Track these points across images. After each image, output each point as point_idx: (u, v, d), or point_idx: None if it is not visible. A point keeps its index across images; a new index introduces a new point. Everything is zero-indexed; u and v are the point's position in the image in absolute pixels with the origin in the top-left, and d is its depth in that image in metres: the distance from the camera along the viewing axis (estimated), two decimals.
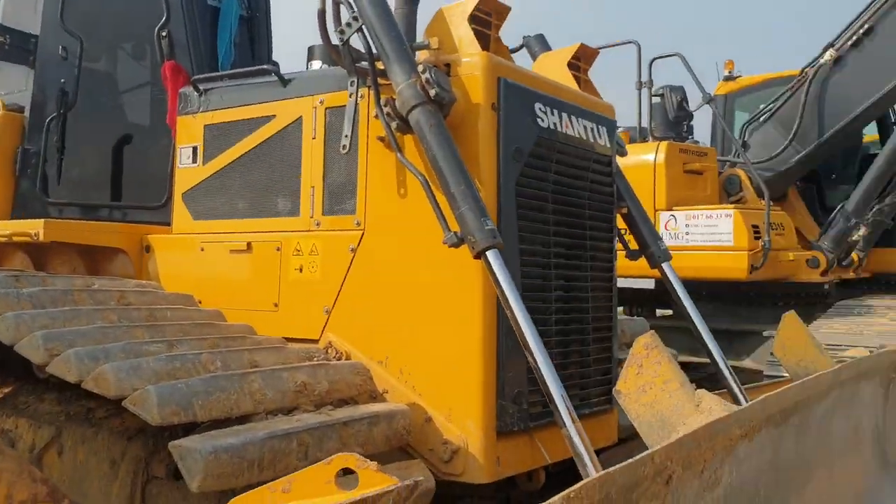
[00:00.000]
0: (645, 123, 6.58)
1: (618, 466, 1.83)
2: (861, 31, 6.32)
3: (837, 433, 3.39)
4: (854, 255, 6.57)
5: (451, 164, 2.72)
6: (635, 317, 6.94)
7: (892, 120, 7.10)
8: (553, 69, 3.56)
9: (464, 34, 3.05)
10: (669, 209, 6.12)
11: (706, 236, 5.93)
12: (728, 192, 6.62)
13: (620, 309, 7.50)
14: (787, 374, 3.54)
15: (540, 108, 3.09)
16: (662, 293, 7.06)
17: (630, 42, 6.28)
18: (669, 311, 7.26)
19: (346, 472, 2.03)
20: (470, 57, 2.97)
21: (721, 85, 8.01)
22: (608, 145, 3.48)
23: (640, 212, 3.73)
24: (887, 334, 5.02)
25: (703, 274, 6.08)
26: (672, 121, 6.83)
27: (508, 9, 3.18)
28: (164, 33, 4.08)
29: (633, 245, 3.80)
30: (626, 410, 2.33)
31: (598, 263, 3.44)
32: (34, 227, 3.71)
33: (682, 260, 6.13)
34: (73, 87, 4.21)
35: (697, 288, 6.66)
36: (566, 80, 3.52)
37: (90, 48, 4.26)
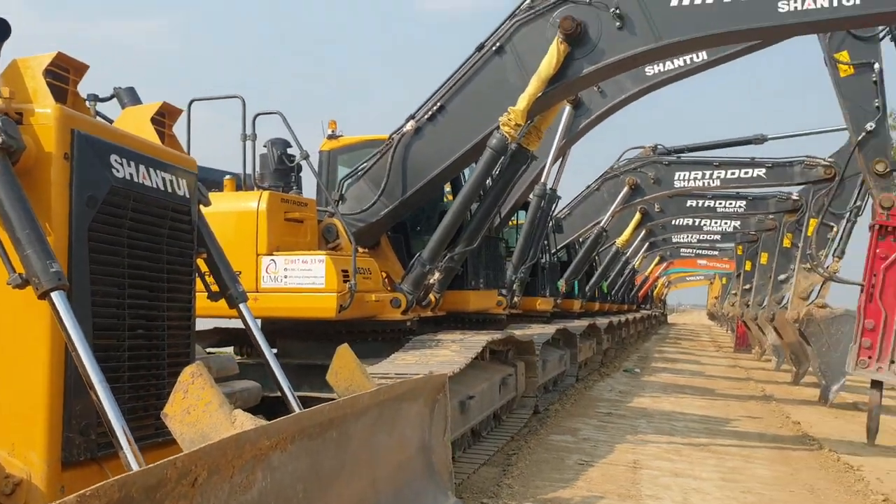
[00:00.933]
0: (250, 172, 7.00)
1: (140, 469, 2.16)
2: (435, 107, 7.49)
3: (381, 445, 4.05)
4: (431, 296, 7.65)
5: (16, 209, 2.85)
6: (232, 354, 7.27)
7: (463, 181, 8.36)
8: (137, 124, 3.82)
9: (38, 86, 3.19)
10: (270, 254, 6.61)
11: (302, 279, 6.50)
12: (326, 240, 7.31)
13: (230, 349, 7.80)
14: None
15: (115, 160, 3.33)
16: (266, 333, 7.54)
17: (235, 97, 6.71)
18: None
19: None
20: (43, 108, 3.13)
21: (325, 142, 8.82)
22: (188, 195, 3.82)
23: (221, 256, 4.11)
24: (446, 363, 5.98)
25: (299, 314, 6.65)
26: (274, 172, 7.37)
27: (86, 66, 3.39)
28: None
29: (215, 287, 4.14)
30: (171, 431, 2.66)
31: (176, 304, 3.73)
32: None
33: (283, 301, 6.67)
34: None
35: (296, 326, 7.24)
36: (149, 134, 3.80)
37: None
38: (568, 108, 11.12)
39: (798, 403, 13.20)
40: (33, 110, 3.12)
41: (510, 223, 12.27)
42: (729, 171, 15.35)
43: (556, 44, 6.91)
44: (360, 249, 7.50)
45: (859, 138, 9.81)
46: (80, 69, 3.39)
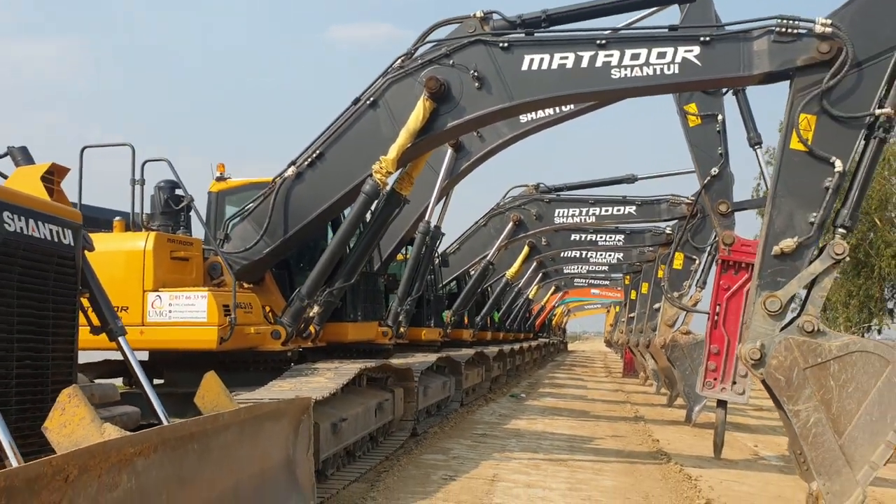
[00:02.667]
0: (138, 213, 7.53)
1: (21, 465, 2.78)
2: (314, 154, 8.20)
3: (244, 458, 4.69)
4: (311, 328, 8.31)
5: None
6: (117, 384, 7.72)
7: (341, 221, 9.07)
8: (29, 182, 4.41)
9: None
10: (156, 290, 7.15)
11: (186, 313, 7.06)
12: (211, 276, 7.90)
13: (119, 379, 8.23)
14: None
15: (7, 215, 3.92)
16: (156, 364, 8.03)
17: (126, 144, 7.27)
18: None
19: None
20: None
21: (214, 184, 9.40)
22: (72, 243, 4.42)
23: (103, 295, 4.71)
24: (317, 389, 6.63)
25: (183, 345, 7.20)
26: (162, 214, 7.92)
27: None
28: None
29: (97, 322, 4.73)
30: (50, 441, 3.27)
31: (60, 338, 4.31)
32: None
33: (167, 334, 7.21)
34: None
35: (182, 357, 7.77)
36: (39, 191, 4.39)
37: None
38: (450, 152, 12.00)
39: (665, 424, 14.34)
40: None
41: (398, 257, 13.07)
42: (603, 209, 16.62)
43: (422, 100, 7.75)
44: (245, 285, 8.13)
45: (705, 181, 11.03)
46: None
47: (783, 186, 6.75)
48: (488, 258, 17.07)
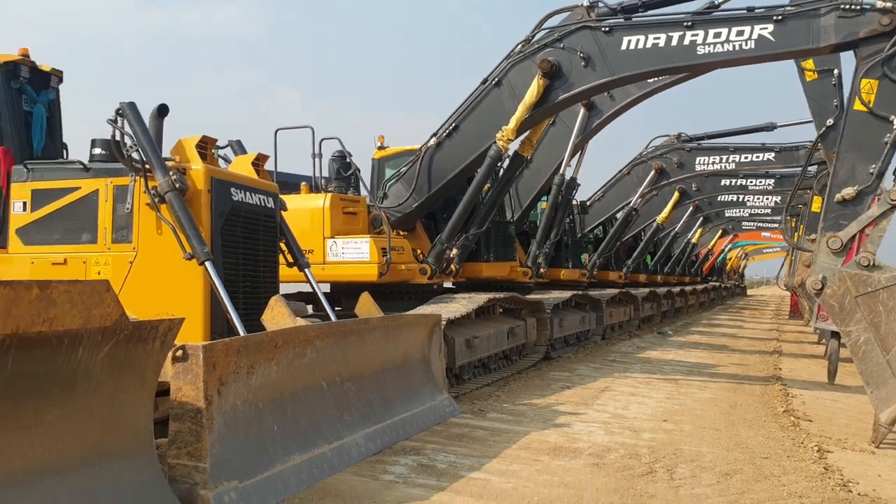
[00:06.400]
0: (318, 178, 9.85)
1: (250, 335, 4.95)
2: (451, 127, 10.12)
3: (389, 351, 6.77)
4: (452, 266, 10.32)
5: (186, 219, 5.70)
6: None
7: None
8: (244, 166, 6.66)
9: (192, 154, 6.04)
10: (333, 237, 9.44)
11: (354, 254, 9.31)
12: (374, 226, 10.10)
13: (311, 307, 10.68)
14: None
15: (233, 189, 6.16)
16: (336, 294, 10.37)
17: (307, 126, 9.54)
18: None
19: None
20: (196, 165, 5.98)
21: (376, 152, 11.62)
22: (273, 206, 6.64)
23: (294, 241, 6.93)
24: (450, 311, 8.64)
25: (353, 278, 9.45)
26: (336, 178, 10.20)
27: (216, 140, 6.22)
28: None
29: (290, 259, 6.96)
30: (265, 326, 5.46)
31: (268, 268, 6.57)
32: None
33: (342, 270, 9.49)
34: None
35: (353, 288, 10.04)
36: (250, 172, 6.63)
37: None
38: (582, 111, 13.53)
39: (801, 357, 15.12)
40: (191, 167, 5.97)
41: (541, 206, 14.82)
42: (742, 156, 17.42)
43: (537, 79, 9.42)
44: (400, 233, 10.26)
45: (821, 131, 11.89)
46: (212, 142, 6.22)
47: (847, 142, 7.92)
48: (631, 204, 18.38)
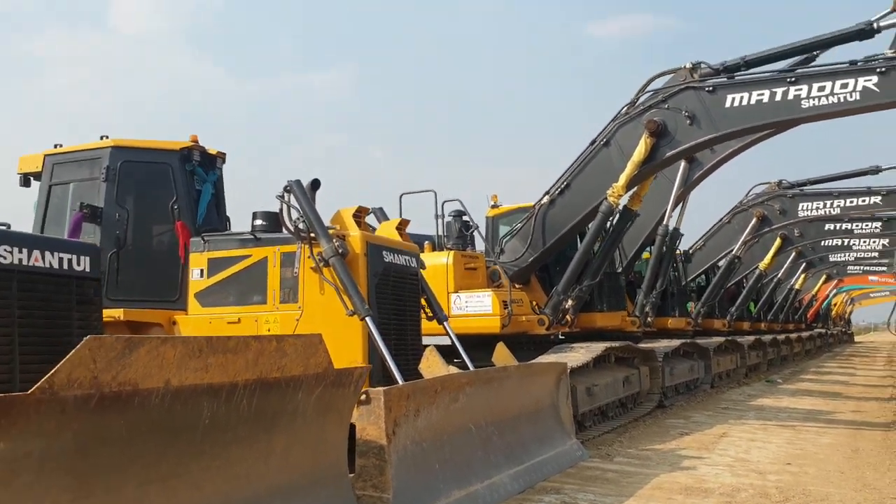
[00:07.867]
0: (440, 237, 10.61)
1: (416, 382, 5.60)
2: (563, 185, 10.74)
3: (524, 397, 7.30)
4: (568, 317, 10.83)
5: (348, 280, 6.45)
6: None
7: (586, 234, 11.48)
8: (389, 231, 7.43)
9: (350, 222, 6.84)
10: (456, 291, 10.12)
11: (477, 307, 9.96)
12: (492, 280, 10.74)
13: None
14: None
15: (385, 252, 6.91)
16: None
17: (430, 190, 10.35)
18: None
19: None
20: (354, 232, 6.77)
21: (490, 210, 12.35)
22: (416, 266, 7.36)
23: (432, 296, 7.62)
24: (572, 359, 9.13)
25: (476, 330, 10.08)
26: (456, 237, 10.95)
27: (368, 209, 7.01)
28: (175, 206, 7.55)
29: (429, 313, 7.64)
30: (423, 375, 6.10)
31: (412, 321, 7.26)
32: (116, 313, 7.02)
33: (465, 322, 10.13)
34: (123, 235, 7.53)
35: (475, 340, 10.67)
36: (395, 236, 7.39)
37: (134, 214, 7.63)
38: (683, 164, 13.93)
39: None
40: (350, 233, 6.76)
41: (644, 256, 15.20)
42: (848, 200, 17.39)
43: (644, 138, 9.98)
44: (516, 286, 10.86)
45: None
46: (365, 211, 7.02)
47: None
48: (734, 252, 18.49)
